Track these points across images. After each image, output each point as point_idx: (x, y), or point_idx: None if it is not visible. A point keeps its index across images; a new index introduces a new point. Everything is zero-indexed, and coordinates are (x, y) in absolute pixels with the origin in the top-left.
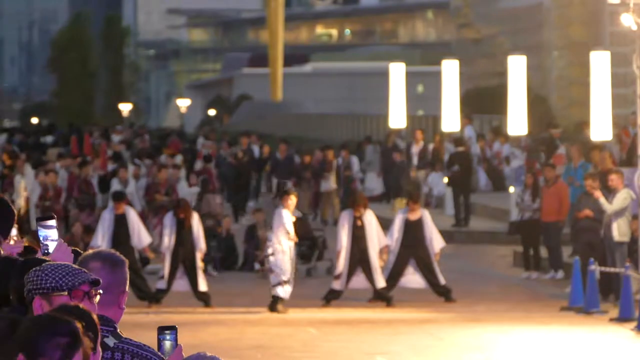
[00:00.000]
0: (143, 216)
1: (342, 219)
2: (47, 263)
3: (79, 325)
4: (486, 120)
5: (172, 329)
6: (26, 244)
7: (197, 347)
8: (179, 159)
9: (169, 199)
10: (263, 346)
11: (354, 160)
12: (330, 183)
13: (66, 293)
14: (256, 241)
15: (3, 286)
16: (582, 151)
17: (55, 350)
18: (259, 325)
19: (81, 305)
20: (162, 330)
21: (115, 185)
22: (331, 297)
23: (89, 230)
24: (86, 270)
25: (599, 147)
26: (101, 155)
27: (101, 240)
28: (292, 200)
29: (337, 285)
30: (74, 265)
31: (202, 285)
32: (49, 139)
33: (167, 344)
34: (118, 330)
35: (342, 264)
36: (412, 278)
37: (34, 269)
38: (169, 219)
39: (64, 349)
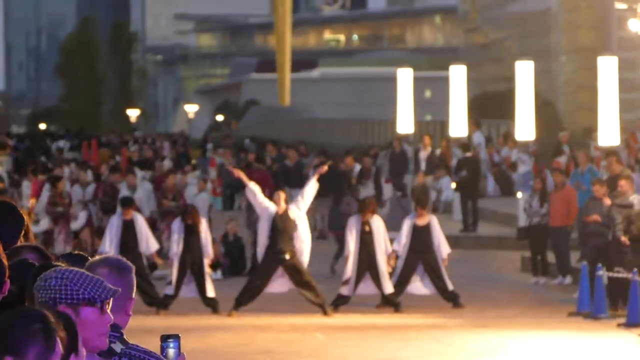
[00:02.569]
0: (151, 222)
1: (350, 225)
2: (62, 269)
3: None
4: (494, 126)
5: (175, 337)
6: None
7: (204, 353)
8: (168, 163)
9: (176, 204)
10: (271, 352)
11: (357, 166)
12: (369, 190)
13: (99, 306)
14: None
15: (18, 290)
16: (588, 156)
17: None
18: (267, 331)
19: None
20: (165, 338)
21: (124, 191)
22: (339, 303)
23: (101, 234)
24: (103, 280)
25: (612, 151)
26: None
27: (109, 246)
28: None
29: (345, 290)
30: (94, 276)
31: (210, 291)
32: (61, 143)
33: (171, 352)
34: (125, 336)
35: (350, 269)
36: (420, 284)
37: (53, 275)
38: (177, 225)
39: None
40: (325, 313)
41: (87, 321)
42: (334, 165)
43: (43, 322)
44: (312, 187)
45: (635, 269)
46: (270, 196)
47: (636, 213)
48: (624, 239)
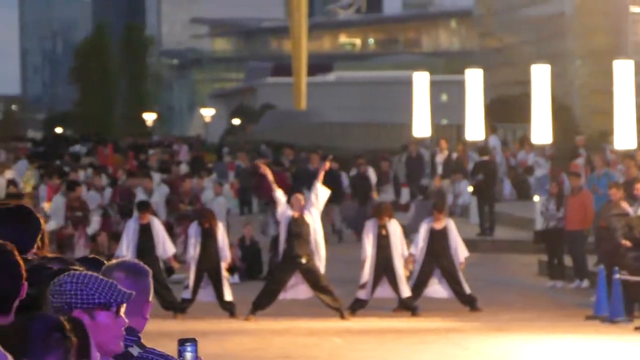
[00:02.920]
0: (168, 226)
1: (366, 229)
2: (77, 273)
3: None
4: (510, 129)
5: (192, 341)
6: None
7: (222, 357)
8: (184, 167)
9: (192, 208)
10: (289, 356)
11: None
12: (388, 194)
13: (114, 310)
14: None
15: (36, 293)
16: (604, 160)
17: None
18: (285, 335)
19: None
20: (182, 342)
21: (140, 195)
22: (357, 307)
23: (118, 237)
24: (117, 284)
25: (629, 155)
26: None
27: (126, 250)
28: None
29: (362, 294)
30: (108, 280)
31: (227, 295)
32: (76, 148)
33: (188, 356)
34: (142, 340)
35: (367, 273)
36: (437, 288)
37: (67, 279)
38: (193, 229)
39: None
40: (342, 317)
41: (103, 325)
42: (360, 169)
43: (61, 330)
44: (322, 189)
45: None
46: (288, 199)
47: (636, 218)
48: (624, 241)
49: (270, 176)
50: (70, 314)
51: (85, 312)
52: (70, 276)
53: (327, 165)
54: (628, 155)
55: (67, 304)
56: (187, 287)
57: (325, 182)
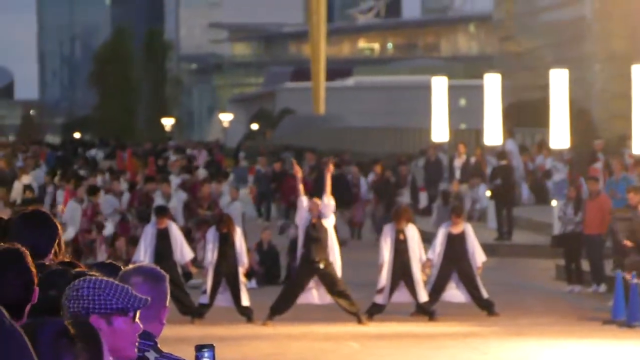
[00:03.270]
0: (187, 231)
1: (384, 233)
2: (93, 278)
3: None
4: (528, 134)
5: (210, 347)
6: (67, 259)
7: None
8: (202, 172)
9: (211, 213)
10: None
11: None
12: (405, 198)
13: (131, 315)
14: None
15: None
16: (623, 164)
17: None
18: (302, 340)
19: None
20: (200, 348)
21: (158, 200)
22: (374, 311)
23: (136, 242)
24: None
25: None
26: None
27: (143, 255)
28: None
29: (379, 299)
30: (124, 285)
31: (245, 300)
32: (93, 152)
33: None
34: (159, 345)
35: (384, 277)
36: (455, 292)
37: (84, 285)
38: (211, 234)
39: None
40: (360, 322)
41: (120, 331)
42: (385, 173)
43: (69, 336)
44: (327, 203)
45: None
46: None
47: (638, 223)
48: (627, 242)
49: (300, 178)
50: (88, 320)
51: (103, 317)
52: (87, 281)
53: (331, 168)
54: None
55: (84, 309)
56: (204, 292)
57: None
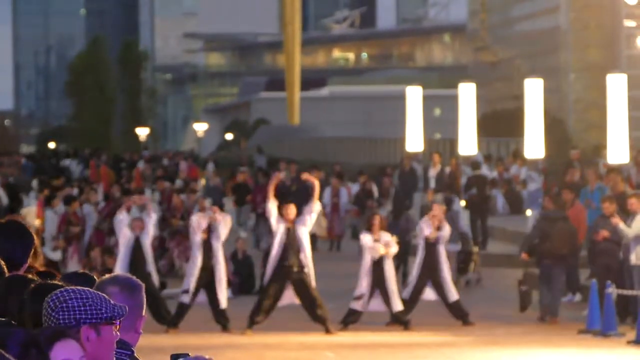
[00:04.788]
0: (161, 241)
1: (363, 242)
2: (76, 289)
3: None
4: (503, 143)
5: (185, 355)
6: (43, 270)
7: None
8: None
9: (184, 223)
10: None
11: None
12: (387, 210)
13: (117, 324)
14: None
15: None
16: (598, 174)
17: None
18: (277, 349)
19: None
20: (175, 357)
21: (134, 210)
22: (350, 320)
23: (111, 252)
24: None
25: (616, 170)
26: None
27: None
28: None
29: (357, 305)
30: (104, 295)
31: (223, 303)
32: (67, 162)
33: None
34: (135, 354)
35: (364, 285)
36: (429, 290)
37: (71, 295)
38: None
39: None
40: (327, 331)
41: (106, 340)
42: (366, 184)
43: (38, 346)
44: (315, 213)
45: None
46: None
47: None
48: (602, 232)
49: (317, 187)
50: (78, 330)
51: (93, 327)
52: (72, 292)
53: (308, 177)
54: (613, 170)
55: (75, 320)
56: (186, 291)
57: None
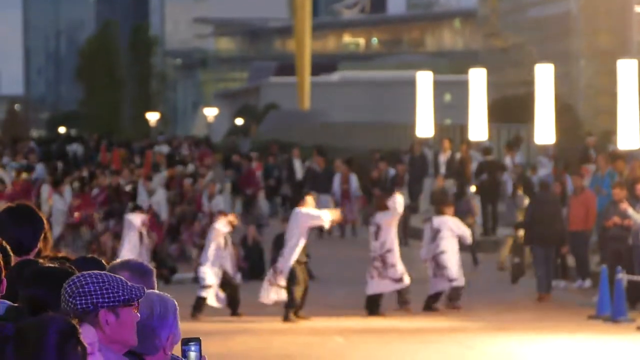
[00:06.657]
0: (170, 226)
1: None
2: (93, 273)
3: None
4: (513, 129)
5: (196, 340)
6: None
7: (225, 356)
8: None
9: (190, 208)
10: (291, 355)
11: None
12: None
13: (136, 304)
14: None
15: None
16: (608, 160)
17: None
18: (288, 334)
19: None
20: (186, 341)
21: (142, 195)
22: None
23: (118, 237)
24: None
25: (624, 156)
26: (145, 165)
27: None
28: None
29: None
30: (121, 277)
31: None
32: (74, 147)
33: (192, 355)
34: None
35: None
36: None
37: (88, 280)
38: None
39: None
40: (287, 318)
41: (126, 322)
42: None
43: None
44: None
45: None
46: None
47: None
48: (613, 219)
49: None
50: (96, 315)
51: (111, 310)
52: (89, 276)
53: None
54: (621, 156)
55: (92, 304)
56: (206, 286)
57: (320, 181)
